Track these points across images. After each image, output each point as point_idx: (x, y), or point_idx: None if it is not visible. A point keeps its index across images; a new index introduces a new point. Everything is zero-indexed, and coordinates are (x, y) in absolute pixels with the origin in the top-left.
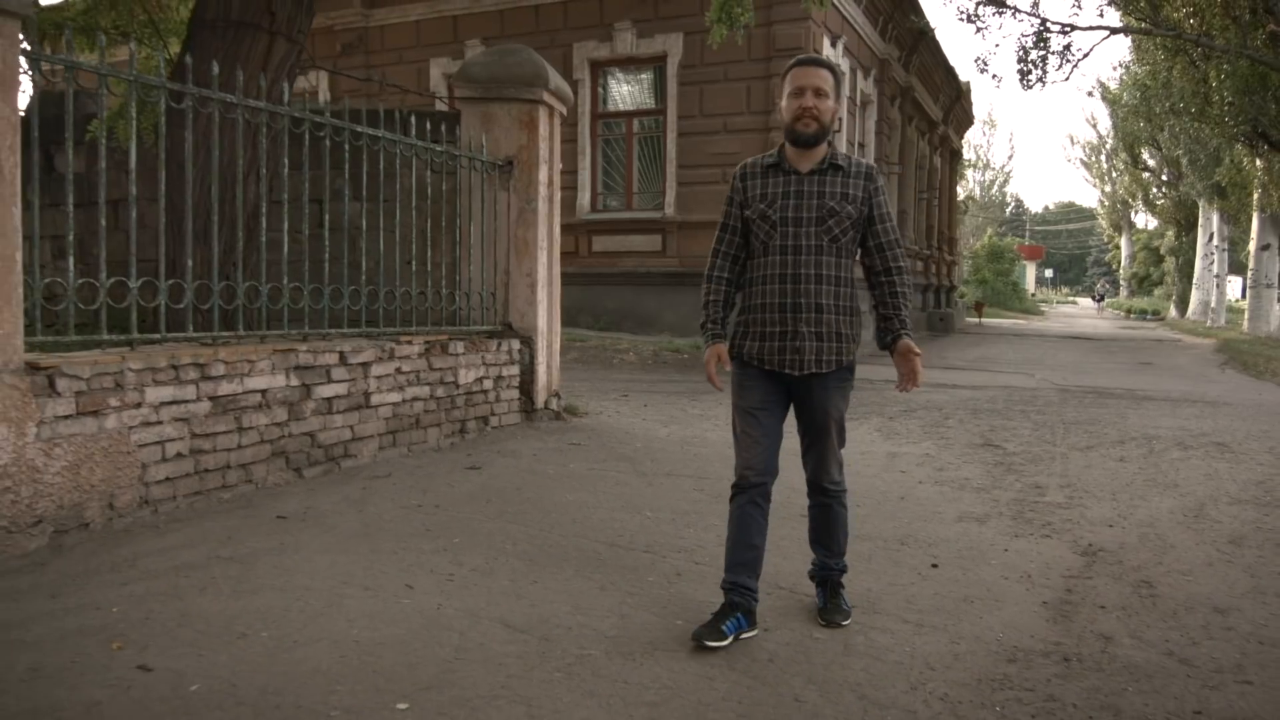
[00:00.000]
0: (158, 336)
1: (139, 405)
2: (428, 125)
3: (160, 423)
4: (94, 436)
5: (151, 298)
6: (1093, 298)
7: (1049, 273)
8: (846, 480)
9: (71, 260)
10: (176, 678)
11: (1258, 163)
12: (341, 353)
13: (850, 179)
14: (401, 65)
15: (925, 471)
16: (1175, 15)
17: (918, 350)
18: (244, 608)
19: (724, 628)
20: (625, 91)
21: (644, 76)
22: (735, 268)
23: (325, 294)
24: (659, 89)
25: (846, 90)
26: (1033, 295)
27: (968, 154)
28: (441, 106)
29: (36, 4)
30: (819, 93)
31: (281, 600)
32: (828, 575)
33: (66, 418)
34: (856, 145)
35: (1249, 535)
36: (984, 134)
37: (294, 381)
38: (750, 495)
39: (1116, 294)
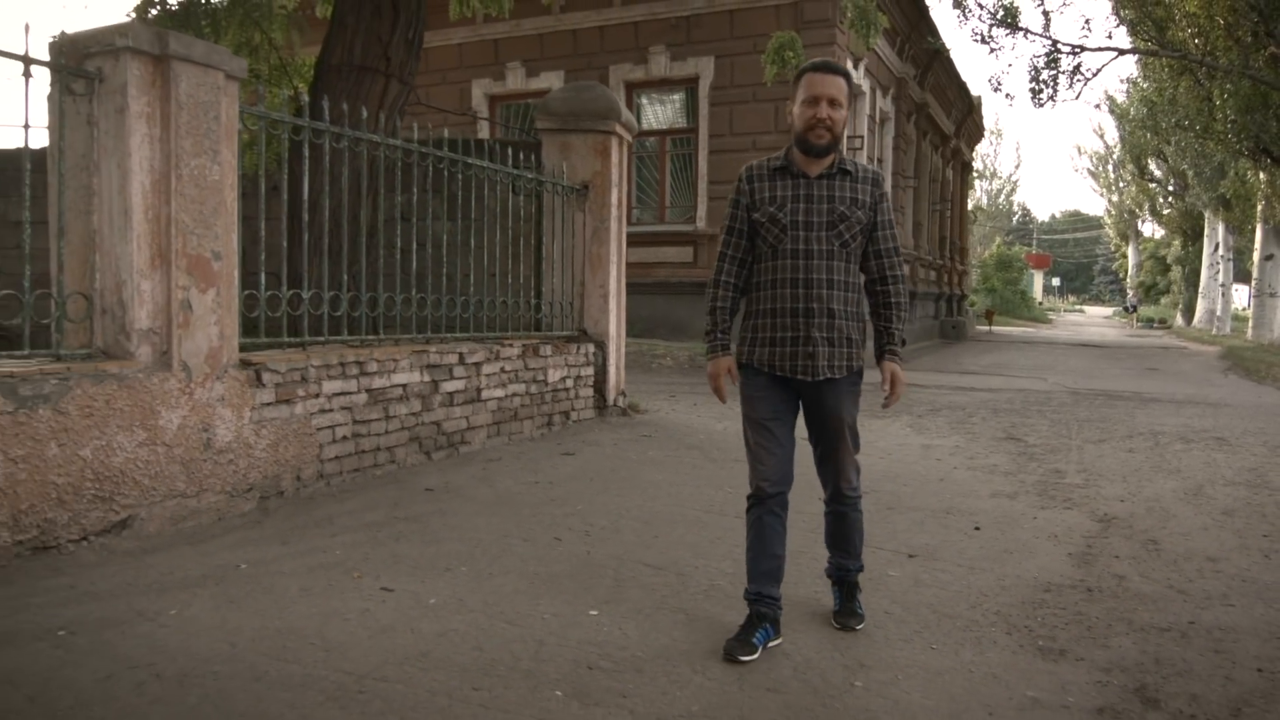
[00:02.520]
0: (322, 339)
1: (318, 395)
2: (520, 155)
3: (332, 410)
4: (287, 421)
5: (317, 307)
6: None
7: (1056, 281)
8: (889, 465)
9: (263, 276)
10: (414, 595)
11: (1261, 176)
12: (461, 354)
13: (859, 184)
14: (445, 85)
15: (957, 460)
16: (1180, 35)
17: (901, 376)
18: (437, 552)
19: (754, 640)
20: (659, 111)
21: (676, 97)
22: (743, 273)
23: (443, 303)
24: (691, 109)
25: (863, 92)
26: (1040, 304)
27: (976, 164)
28: (483, 125)
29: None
30: (834, 103)
31: (463, 547)
32: (844, 576)
33: (269, 405)
34: (875, 160)
35: (1240, 509)
36: (991, 144)
37: (426, 378)
38: (768, 506)
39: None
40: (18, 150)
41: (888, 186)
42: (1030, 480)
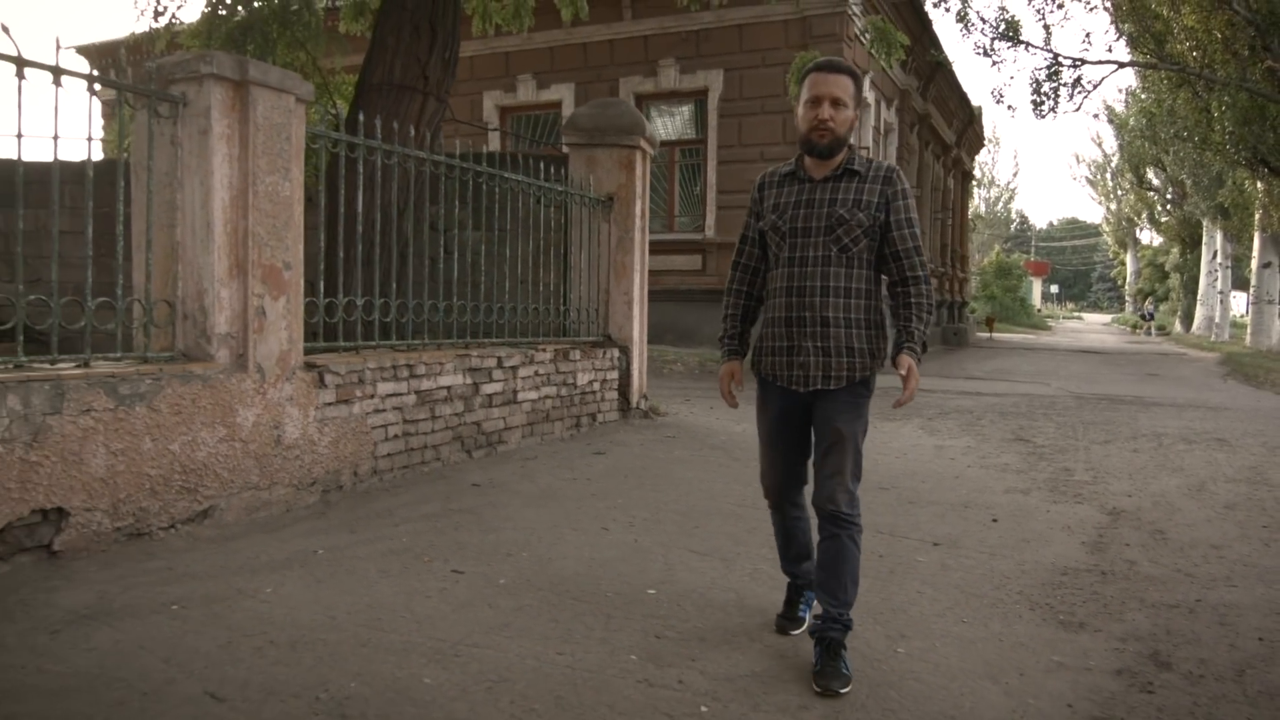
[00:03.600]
0: (373, 344)
1: (373, 396)
2: (549, 168)
3: (385, 410)
4: (346, 419)
5: (369, 313)
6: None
7: (1054, 288)
8: (906, 464)
9: (322, 285)
10: (484, 577)
11: (1259, 185)
12: (499, 357)
13: (867, 184)
14: (456, 97)
15: (970, 459)
16: (1179, 48)
17: (910, 367)
18: (496, 540)
19: (799, 613)
20: (668, 123)
21: (686, 109)
22: (755, 280)
23: (480, 310)
24: (700, 120)
25: (869, 104)
26: (1039, 310)
27: (975, 173)
28: (494, 136)
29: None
30: (836, 102)
31: (520, 535)
32: (827, 631)
33: (330, 404)
34: None
35: (1240, 503)
36: (989, 152)
37: (467, 380)
38: (783, 509)
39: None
40: (52, 164)
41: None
42: (1041, 478)
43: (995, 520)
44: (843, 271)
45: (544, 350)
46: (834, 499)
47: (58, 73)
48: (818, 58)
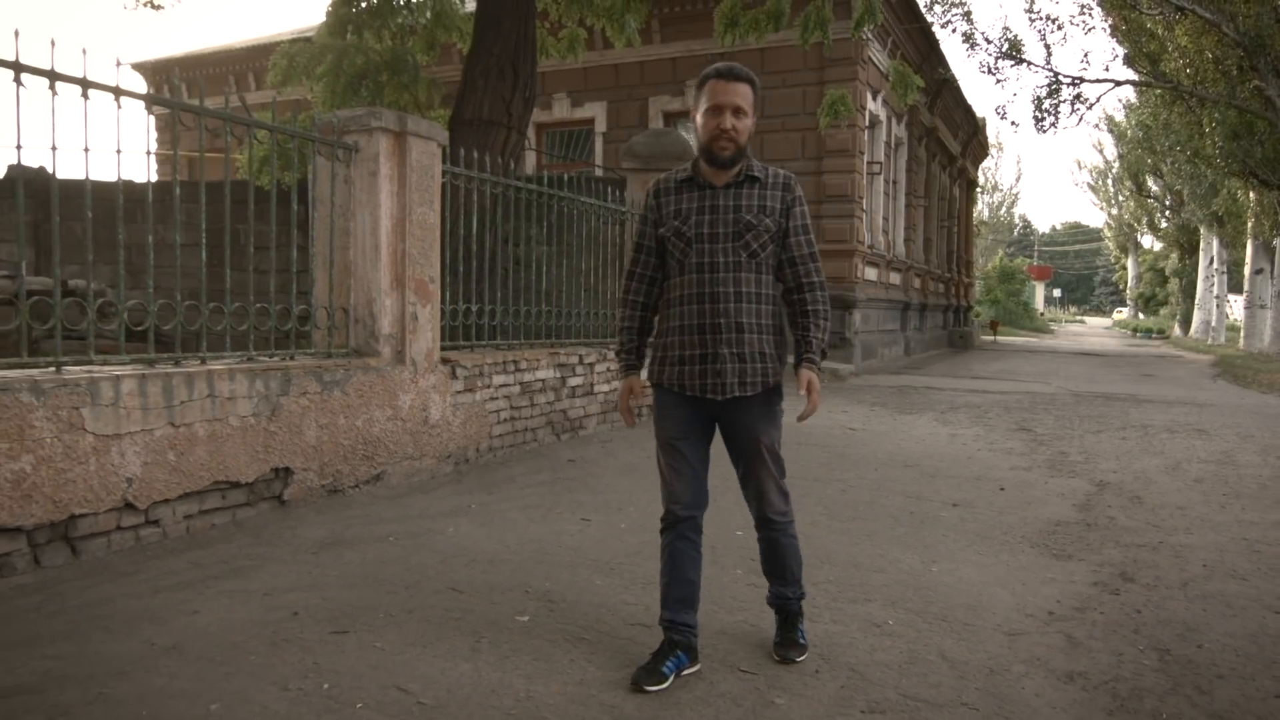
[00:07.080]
0: (484, 344)
1: (489, 386)
2: (614, 191)
3: (498, 399)
4: (471, 405)
5: (480, 317)
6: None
7: (1057, 292)
8: (925, 449)
9: (447, 295)
10: (608, 523)
11: (1250, 195)
12: (580, 355)
13: (768, 190)
14: None
15: (980, 445)
16: (1173, 66)
17: (816, 385)
18: (605, 499)
19: (663, 669)
20: (692, 139)
21: None
22: (652, 291)
23: (562, 314)
24: None
25: (881, 120)
26: (1042, 314)
27: (979, 179)
28: (530, 155)
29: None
30: (738, 111)
31: (621, 496)
32: (783, 604)
33: (460, 392)
34: (890, 182)
35: (1208, 478)
36: (993, 157)
37: (557, 374)
38: (680, 530)
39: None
40: (165, 182)
41: (893, 196)
42: (1040, 458)
43: (1002, 489)
44: (752, 277)
45: (614, 348)
46: (772, 504)
47: (117, 95)
48: (845, 97)
